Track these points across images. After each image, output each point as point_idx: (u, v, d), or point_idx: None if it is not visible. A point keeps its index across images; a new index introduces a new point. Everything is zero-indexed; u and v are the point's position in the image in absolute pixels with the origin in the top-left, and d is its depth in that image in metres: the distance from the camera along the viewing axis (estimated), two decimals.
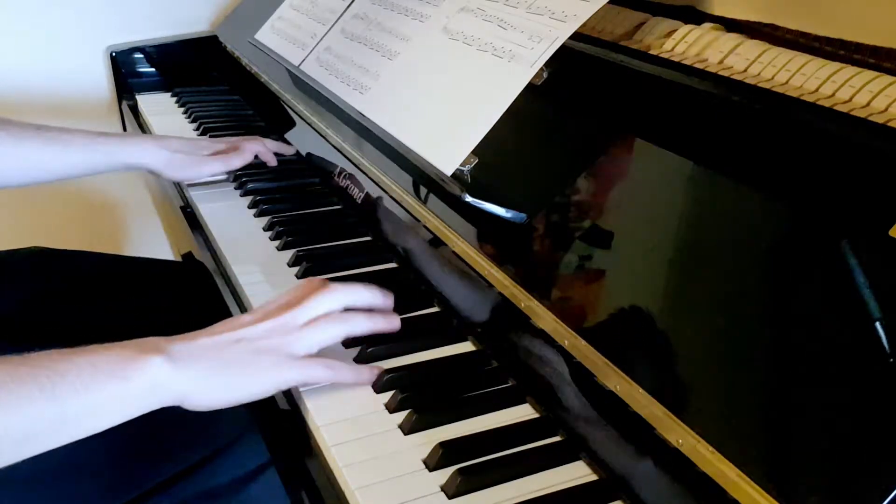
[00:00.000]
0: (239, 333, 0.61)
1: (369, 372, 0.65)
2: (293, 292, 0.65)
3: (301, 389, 0.65)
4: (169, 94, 1.43)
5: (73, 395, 0.52)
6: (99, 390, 0.53)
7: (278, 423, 0.68)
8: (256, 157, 1.04)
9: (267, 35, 1.21)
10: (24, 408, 0.50)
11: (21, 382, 0.50)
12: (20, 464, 0.68)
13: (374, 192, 0.89)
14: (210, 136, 1.18)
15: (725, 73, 0.67)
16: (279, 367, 0.60)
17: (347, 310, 0.66)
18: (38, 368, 0.51)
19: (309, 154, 1.07)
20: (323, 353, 0.64)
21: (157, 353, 0.56)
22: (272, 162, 1.06)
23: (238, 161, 1.02)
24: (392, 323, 0.68)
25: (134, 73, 1.48)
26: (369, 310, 0.68)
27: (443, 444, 0.58)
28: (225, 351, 0.59)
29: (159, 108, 1.37)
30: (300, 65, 1.06)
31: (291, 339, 0.61)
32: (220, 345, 0.60)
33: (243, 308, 0.80)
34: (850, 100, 0.59)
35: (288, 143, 1.11)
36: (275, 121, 1.20)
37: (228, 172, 1.03)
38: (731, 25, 0.78)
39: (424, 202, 0.79)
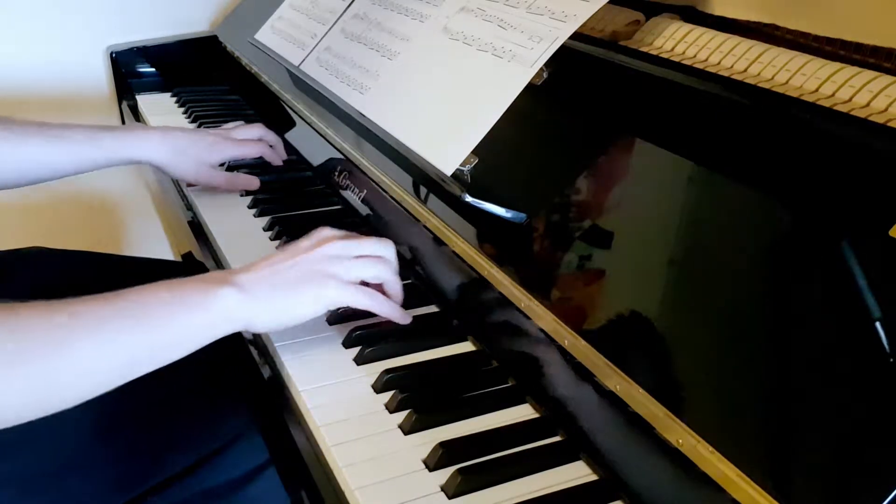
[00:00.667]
0: (296, 259, 0.67)
1: (405, 314, 0.71)
2: (345, 233, 0.71)
3: (301, 389, 0.65)
4: (169, 94, 1.43)
5: (163, 327, 0.59)
6: (184, 321, 0.60)
7: (277, 418, 0.68)
8: (261, 157, 1.05)
9: (267, 35, 1.21)
10: (123, 339, 0.57)
11: (120, 317, 0.57)
12: (20, 463, 0.68)
13: (374, 192, 0.89)
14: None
15: (725, 73, 0.67)
16: (326, 286, 0.66)
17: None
18: (131, 303, 0.58)
19: (309, 154, 1.07)
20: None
21: (228, 285, 0.62)
22: (277, 161, 1.05)
23: (243, 185, 1.01)
24: (406, 318, 0.72)
25: (134, 73, 1.48)
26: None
27: (443, 444, 0.58)
28: (282, 274, 0.65)
29: (159, 108, 1.37)
30: (300, 65, 1.06)
31: (340, 267, 0.67)
32: (278, 270, 0.66)
33: None
34: (850, 100, 0.59)
35: (289, 143, 1.11)
36: (275, 121, 1.20)
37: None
38: (731, 25, 0.78)
39: (424, 202, 0.79)
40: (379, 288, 0.71)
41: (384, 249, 0.71)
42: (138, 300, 0.59)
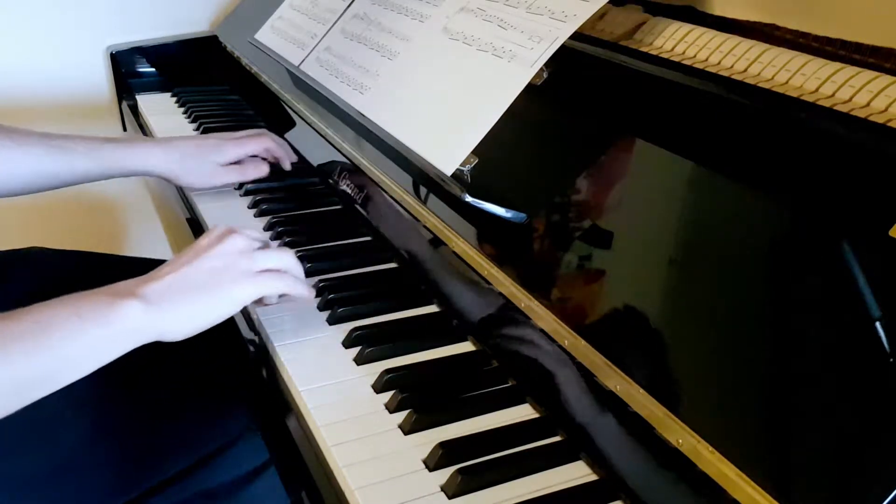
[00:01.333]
0: (201, 260, 0.66)
1: (311, 288, 0.73)
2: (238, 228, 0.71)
3: (301, 389, 0.65)
4: (169, 94, 1.43)
5: (64, 345, 0.57)
6: (85, 337, 0.58)
7: (277, 418, 0.68)
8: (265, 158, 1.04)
9: (267, 35, 1.21)
10: (23, 360, 0.56)
11: (18, 338, 0.55)
12: (20, 463, 0.68)
13: (374, 192, 0.89)
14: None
15: (725, 73, 0.67)
16: (238, 283, 0.66)
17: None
18: (28, 323, 0.56)
19: (309, 154, 1.06)
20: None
21: (132, 298, 0.61)
22: (286, 164, 1.03)
23: (253, 173, 1.00)
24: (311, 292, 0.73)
25: (134, 73, 1.48)
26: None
27: (443, 444, 0.58)
28: (190, 279, 0.64)
29: (159, 108, 1.37)
30: (300, 65, 1.06)
31: (248, 261, 0.67)
32: (185, 274, 0.64)
33: (243, 309, 0.79)
34: (850, 100, 0.59)
35: (289, 143, 1.11)
36: (275, 121, 1.20)
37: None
38: (731, 25, 0.77)
39: (424, 202, 0.79)
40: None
41: (278, 248, 0.73)
42: (39, 319, 0.57)
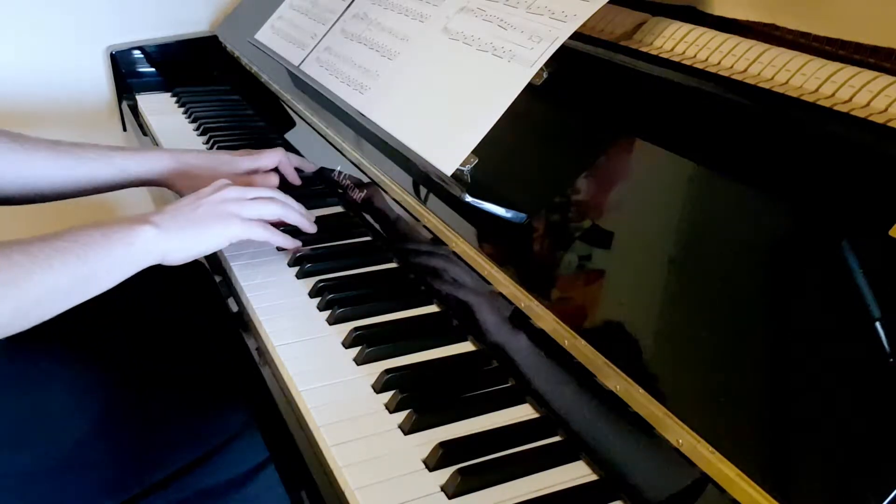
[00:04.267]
0: (200, 202, 0.78)
1: (294, 242, 0.85)
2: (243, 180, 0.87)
3: (301, 389, 0.65)
4: (169, 94, 1.43)
5: (96, 259, 0.68)
6: (112, 253, 0.69)
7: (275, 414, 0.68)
8: (276, 168, 1.02)
9: (267, 35, 1.21)
10: (63, 270, 0.65)
11: (60, 251, 0.66)
12: (20, 460, 0.69)
13: (374, 191, 0.89)
14: (219, 146, 1.16)
15: (725, 73, 0.67)
16: (229, 222, 0.77)
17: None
18: (71, 243, 0.67)
19: (309, 154, 1.06)
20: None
21: (147, 223, 0.72)
22: (294, 179, 1.01)
23: (274, 179, 0.97)
24: (312, 227, 0.86)
25: (134, 73, 1.48)
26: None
27: (443, 444, 0.58)
28: (189, 214, 0.76)
29: (159, 107, 1.37)
30: (300, 65, 1.06)
31: (240, 207, 0.79)
32: (186, 211, 0.77)
33: (243, 308, 0.80)
34: (850, 100, 0.59)
35: (289, 143, 1.11)
36: (275, 121, 1.20)
37: None
38: (731, 25, 0.77)
39: (424, 202, 0.79)
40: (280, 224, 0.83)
41: (273, 192, 0.84)
42: (76, 238, 0.68)
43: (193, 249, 0.76)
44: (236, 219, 0.78)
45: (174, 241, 0.73)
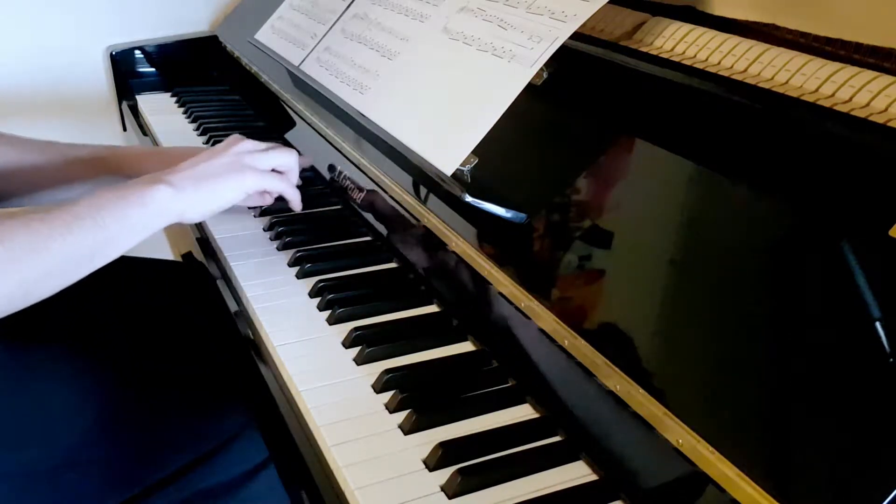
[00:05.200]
0: (214, 157, 0.79)
1: (299, 202, 0.88)
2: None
3: (301, 389, 0.65)
4: (169, 94, 1.43)
5: (114, 223, 0.69)
6: (129, 216, 0.70)
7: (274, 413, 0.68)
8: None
9: (267, 35, 1.21)
10: (82, 235, 0.67)
11: (79, 217, 0.67)
12: (21, 460, 0.68)
13: (374, 192, 0.89)
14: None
15: (725, 73, 0.67)
16: (244, 174, 0.79)
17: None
18: (87, 208, 0.68)
19: (309, 154, 1.06)
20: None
21: (162, 183, 0.73)
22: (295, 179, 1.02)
23: (269, 199, 0.99)
24: (299, 206, 0.89)
25: (134, 73, 1.48)
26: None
27: (443, 444, 0.58)
28: (204, 170, 0.77)
29: (159, 107, 1.37)
30: (300, 65, 1.06)
31: (253, 159, 0.80)
32: (201, 167, 0.77)
33: (243, 308, 0.80)
34: (850, 100, 0.59)
35: (289, 143, 1.11)
36: (275, 121, 1.20)
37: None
38: (731, 25, 0.77)
39: (424, 202, 0.79)
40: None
41: (284, 148, 0.86)
42: (92, 203, 0.69)
43: (210, 205, 0.76)
44: (251, 170, 0.79)
45: (190, 198, 0.74)
